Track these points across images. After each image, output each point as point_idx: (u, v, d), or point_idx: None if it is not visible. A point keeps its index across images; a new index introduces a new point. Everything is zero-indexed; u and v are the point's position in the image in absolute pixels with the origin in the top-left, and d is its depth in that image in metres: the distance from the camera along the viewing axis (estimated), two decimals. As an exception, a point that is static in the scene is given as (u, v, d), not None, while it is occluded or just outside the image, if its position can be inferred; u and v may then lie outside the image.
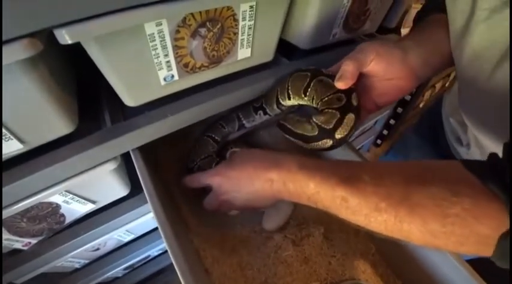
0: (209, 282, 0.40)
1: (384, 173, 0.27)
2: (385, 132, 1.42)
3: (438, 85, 1.42)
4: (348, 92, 0.37)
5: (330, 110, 0.36)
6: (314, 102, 0.40)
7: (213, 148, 0.47)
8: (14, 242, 0.42)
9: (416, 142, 0.70)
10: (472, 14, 0.31)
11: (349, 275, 0.43)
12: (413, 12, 0.64)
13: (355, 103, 0.36)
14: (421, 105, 1.45)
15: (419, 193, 0.24)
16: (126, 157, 0.43)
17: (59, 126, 0.34)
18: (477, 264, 0.35)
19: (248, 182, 0.35)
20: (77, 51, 0.30)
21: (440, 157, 0.65)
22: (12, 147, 0.31)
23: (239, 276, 0.42)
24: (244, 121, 0.49)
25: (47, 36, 0.26)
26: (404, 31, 0.67)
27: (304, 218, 0.51)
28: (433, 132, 0.64)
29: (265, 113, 0.48)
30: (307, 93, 0.40)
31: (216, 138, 0.48)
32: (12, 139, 0.31)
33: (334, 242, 0.47)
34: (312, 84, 0.39)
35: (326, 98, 0.38)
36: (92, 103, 0.43)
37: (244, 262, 0.43)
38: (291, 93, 0.42)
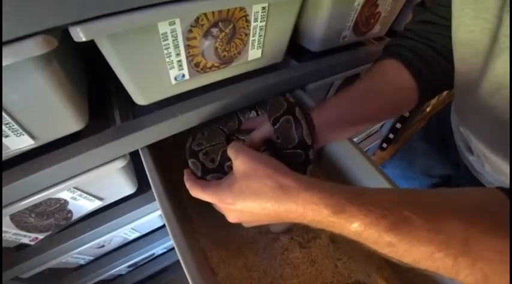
0: (215, 283, 0.40)
1: (438, 214, 0.24)
2: (391, 135, 1.41)
3: (445, 90, 1.41)
4: (305, 149, 0.39)
5: (294, 165, 0.39)
6: (282, 145, 0.41)
7: (223, 137, 0.47)
8: (21, 237, 0.43)
9: (424, 148, 0.69)
10: (495, 40, 0.30)
11: (355, 279, 0.43)
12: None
13: (312, 156, 0.40)
14: (428, 110, 1.44)
15: (480, 244, 0.22)
16: (133, 155, 0.43)
17: (70, 122, 0.34)
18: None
19: (267, 219, 0.30)
20: (88, 49, 0.31)
21: (449, 164, 0.64)
22: (23, 143, 0.32)
23: (245, 277, 0.42)
24: (241, 118, 0.52)
25: (61, 34, 0.27)
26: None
27: (310, 220, 0.51)
28: (441, 138, 0.62)
29: (257, 114, 0.51)
30: (275, 127, 0.41)
31: (225, 130, 0.49)
32: (23, 134, 0.31)
33: (340, 245, 0.46)
34: (279, 123, 0.40)
35: (288, 150, 0.40)
36: (102, 101, 0.43)
37: (250, 263, 0.43)
38: (269, 116, 0.42)
